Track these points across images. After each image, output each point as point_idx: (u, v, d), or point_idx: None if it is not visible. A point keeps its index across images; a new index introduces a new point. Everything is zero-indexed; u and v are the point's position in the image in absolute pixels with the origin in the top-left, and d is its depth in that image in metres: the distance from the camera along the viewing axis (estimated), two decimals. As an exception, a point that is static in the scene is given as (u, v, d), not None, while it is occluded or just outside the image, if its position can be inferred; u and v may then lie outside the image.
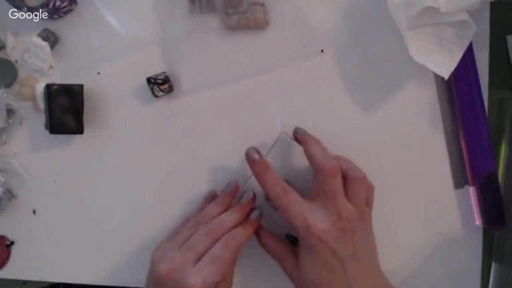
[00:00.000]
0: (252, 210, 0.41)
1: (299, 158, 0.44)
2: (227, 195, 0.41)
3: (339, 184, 0.37)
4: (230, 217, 0.39)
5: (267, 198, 0.41)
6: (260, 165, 0.38)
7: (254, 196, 0.41)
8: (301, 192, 0.38)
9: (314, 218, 0.35)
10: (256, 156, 0.39)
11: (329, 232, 0.35)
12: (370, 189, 0.39)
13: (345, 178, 0.38)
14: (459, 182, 0.44)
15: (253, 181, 0.40)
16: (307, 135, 0.40)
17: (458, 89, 0.43)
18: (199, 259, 0.36)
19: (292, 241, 0.42)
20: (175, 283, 0.35)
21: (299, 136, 0.41)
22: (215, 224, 0.38)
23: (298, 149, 0.41)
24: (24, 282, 0.47)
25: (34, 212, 0.46)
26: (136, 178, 0.46)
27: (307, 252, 0.36)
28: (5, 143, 0.47)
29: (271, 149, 0.42)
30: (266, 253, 0.41)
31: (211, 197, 0.43)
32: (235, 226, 0.39)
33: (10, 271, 0.46)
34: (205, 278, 0.34)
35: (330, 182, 0.36)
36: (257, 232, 0.41)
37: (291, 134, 0.42)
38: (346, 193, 0.37)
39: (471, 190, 0.43)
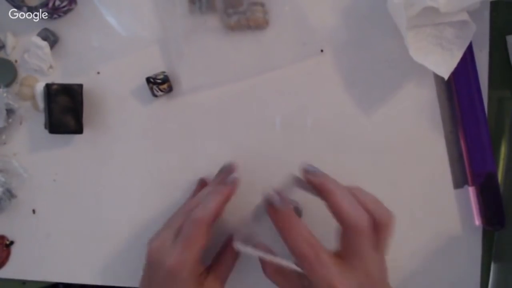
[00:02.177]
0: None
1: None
2: (220, 182, 0.40)
3: (371, 241, 0.32)
4: (204, 191, 0.39)
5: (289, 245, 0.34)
6: (283, 215, 0.33)
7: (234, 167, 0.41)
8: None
9: (341, 283, 0.31)
10: (278, 202, 0.33)
11: None
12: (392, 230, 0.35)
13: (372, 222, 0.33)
14: (459, 182, 0.44)
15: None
16: (326, 180, 0.34)
17: (458, 89, 0.43)
18: (177, 236, 0.36)
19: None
20: (158, 262, 0.36)
21: (314, 180, 0.34)
22: (190, 202, 0.39)
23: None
24: (24, 282, 0.47)
25: (33, 211, 0.46)
26: (135, 178, 0.46)
27: None
28: (4, 143, 0.47)
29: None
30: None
31: (202, 184, 0.44)
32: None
33: (10, 271, 0.46)
34: (178, 256, 0.35)
35: (362, 241, 0.32)
36: (262, 264, 0.38)
37: (298, 174, 0.36)
38: (376, 242, 0.33)
39: (471, 190, 0.43)
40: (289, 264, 0.34)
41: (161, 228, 0.39)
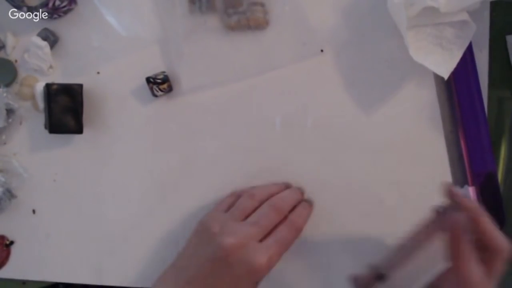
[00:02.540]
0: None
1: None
2: (296, 189, 0.42)
3: None
4: (291, 194, 0.40)
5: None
6: (459, 237, 0.33)
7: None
8: None
9: None
10: (463, 225, 0.33)
11: None
12: None
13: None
14: (459, 182, 0.44)
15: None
16: (475, 207, 0.34)
17: (457, 89, 0.43)
18: (264, 236, 0.36)
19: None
20: (240, 259, 0.34)
21: (462, 202, 0.34)
22: (279, 199, 0.38)
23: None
24: (23, 282, 0.47)
25: (33, 211, 0.46)
26: (135, 178, 0.46)
27: None
28: (4, 143, 0.47)
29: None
30: None
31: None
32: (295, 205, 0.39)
33: (10, 271, 0.46)
34: (270, 258, 0.34)
35: (503, 264, 0.33)
36: None
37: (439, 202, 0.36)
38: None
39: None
40: None
41: (239, 220, 0.37)
